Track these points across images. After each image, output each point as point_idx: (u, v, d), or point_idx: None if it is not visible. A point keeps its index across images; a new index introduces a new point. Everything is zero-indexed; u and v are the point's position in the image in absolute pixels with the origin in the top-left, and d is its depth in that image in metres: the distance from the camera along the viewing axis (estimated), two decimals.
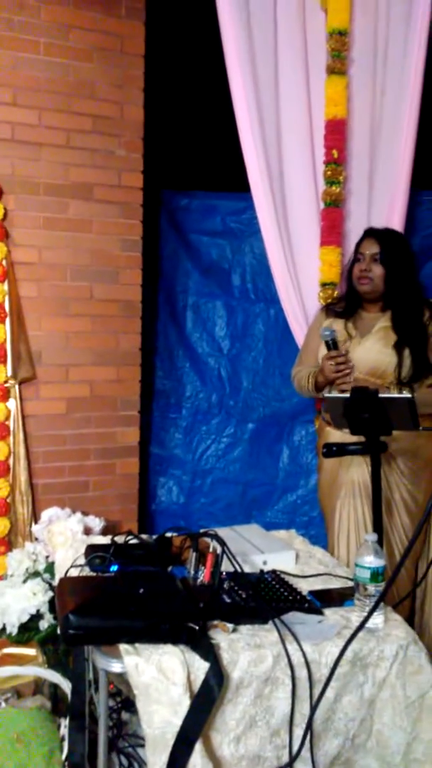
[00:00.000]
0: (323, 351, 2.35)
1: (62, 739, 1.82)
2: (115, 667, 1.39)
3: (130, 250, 2.89)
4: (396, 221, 2.78)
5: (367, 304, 2.40)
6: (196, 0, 2.78)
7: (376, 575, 1.52)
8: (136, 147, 2.87)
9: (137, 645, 1.40)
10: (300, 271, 2.81)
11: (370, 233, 2.37)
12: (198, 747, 1.33)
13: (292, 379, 2.57)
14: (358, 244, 2.40)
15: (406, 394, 2.12)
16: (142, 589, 1.51)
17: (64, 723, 1.86)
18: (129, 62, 2.82)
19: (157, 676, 1.35)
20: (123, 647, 1.39)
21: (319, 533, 2.84)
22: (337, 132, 2.73)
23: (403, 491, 2.33)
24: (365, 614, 1.46)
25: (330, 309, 2.49)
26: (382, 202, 2.81)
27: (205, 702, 1.34)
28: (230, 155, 2.83)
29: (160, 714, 1.34)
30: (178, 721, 1.33)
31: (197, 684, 1.36)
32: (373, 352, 2.30)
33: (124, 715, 2.15)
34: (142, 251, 2.93)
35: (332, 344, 2.29)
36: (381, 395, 1.99)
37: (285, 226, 2.78)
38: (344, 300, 2.48)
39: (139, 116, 2.86)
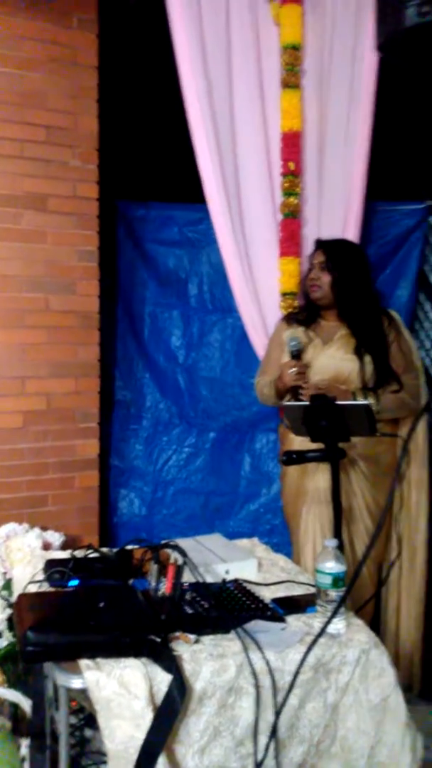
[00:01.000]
0: (286, 359, 2.39)
1: (23, 760, 1.78)
2: (76, 683, 1.37)
3: (87, 260, 2.87)
4: (351, 231, 2.83)
5: (324, 312, 2.46)
6: (150, 13, 2.80)
7: (337, 581, 1.53)
8: (91, 158, 2.86)
9: (98, 660, 1.38)
10: (258, 281, 2.84)
11: (318, 244, 2.48)
12: (161, 760, 1.31)
13: (255, 389, 2.59)
14: (311, 256, 2.50)
15: (362, 401, 2.15)
16: (103, 603, 1.49)
17: (25, 743, 1.82)
18: (82, 73, 2.81)
19: (119, 691, 1.33)
20: (83, 662, 1.37)
21: (281, 541, 2.84)
22: (293, 144, 2.78)
23: (366, 496, 2.36)
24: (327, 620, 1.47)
25: (291, 318, 2.54)
26: (337, 212, 2.86)
27: (168, 714, 1.33)
28: (186, 166, 2.84)
29: (123, 729, 1.32)
30: (141, 735, 1.31)
31: (160, 697, 1.35)
32: (336, 359, 2.35)
33: (88, 732, 2.11)
34: (99, 262, 2.91)
35: (296, 355, 2.33)
36: (338, 402, 2.01)
37: (242, 236, 2.80)
38: (305, 309, 2.53)
39: (94, 127, 2.85)
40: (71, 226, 2.83)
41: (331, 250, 2.41)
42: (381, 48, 0.82)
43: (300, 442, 2.26)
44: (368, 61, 2.73)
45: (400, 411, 2.36)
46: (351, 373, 2.31)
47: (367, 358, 2.31)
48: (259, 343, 2.82)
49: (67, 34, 2.78)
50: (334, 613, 1.43)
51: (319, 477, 2.33)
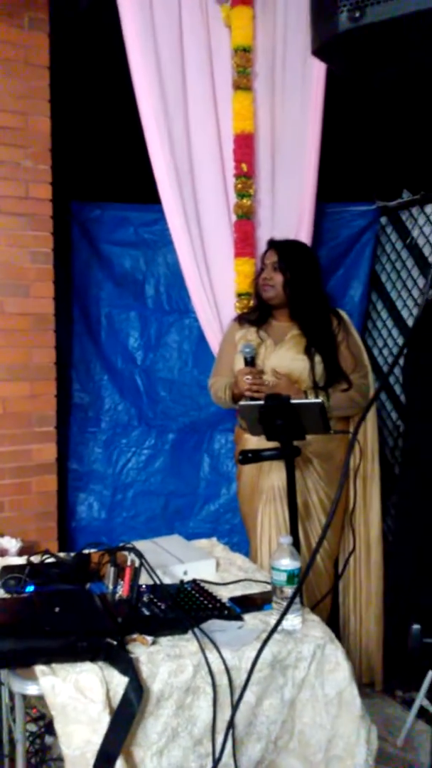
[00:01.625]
0: (239, 364, 2.40)
1: None
2: (31, 689, 1.36)
3: (41, 262, 2.84)
4: (304, 233, 2.87)
5: (276, 312, 2.49)
6: (103, 13, 2.78)
7: (292, 577, 1.55)
8: (44, 158, 2.82)
9: (54, 665, 1.37)
10: (215, 281, 2.85)
11: (271, 244, 2.50)
12: (119, 764, 1.31)
13: (209, 390, 2.60)
14: (263, 256, 2.52)
15: (316, 399, 2.18)
16: (58, 608, 1.48)
17: None
18: (33, 73, 2.78)
19: (75, 695, 1.32)
20: (39, 668, 1.36)
21: (241, 540, 2.86)
22: (245, 146, 2.79)
23: (320, 493, 2.40)
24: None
25: (243, 319, 2.56)
26: (290, 214, 2.89)
27: (125, 717, 1.32)
28: (142, 167, 2.83)
29: (79, 734, 1.31)
30: (98, 740, 1.31)
31: (117, 700, 1.34)
32: (287, 359, 2.37)
33: (48, 740, 2.08)
34: (54, 263, 2.88)
35: (250, 361, 2.34)
36: (293, 401, 2.03)
37: (199, 237, 2.81)
38: (257, 310, 2.55)
39: (46, 127, 2.82)
40: (24, 227, 2.80)
41: (283, 250, 2.43)
42: (316, 53, 0.84)
43: (256, 442, 2.28)
44: (318, 64, 2.76)
45: (350, 409, 2.40)
46: (302, 372, 2.34)
47: (318, 358, 2.35)
48: (216, 343, 2.83)
49: (18, 34, 2.74)
50: (287, 609, 1.45)
51: (274, 475, 2.35)
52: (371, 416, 2.57)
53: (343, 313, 2.50)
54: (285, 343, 2.41)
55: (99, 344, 3.24)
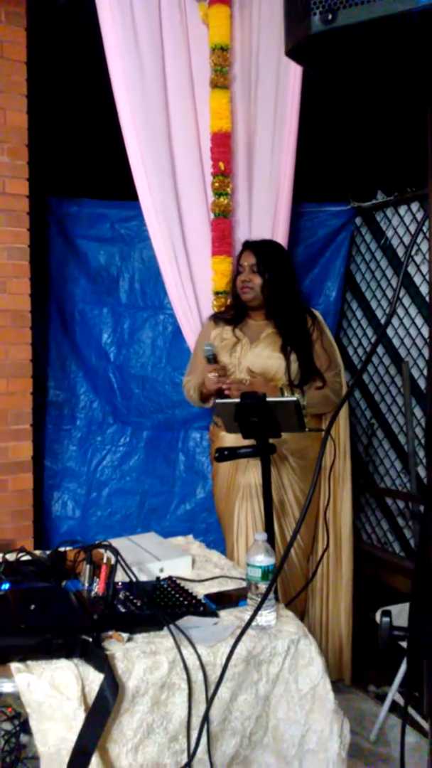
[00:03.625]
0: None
1: None
2: (6, 687, 1.35)
3: (17, 258, 2.82)
4: (280, 232, 2.88)
5: (252, 311, 2.51)
6: (81, 9, 2.76)
7: (266, 573, 1.56)
8: (21, 154, 2.81)
9: (29, 662, 1.37)
10: (196, 279, 2.85)
11: (247, 245, 2.51)
12: (95, 760, 1.31)
13: (183, 389, 2.61)
14: (239, 257, 2.52)
15: (291, 397, 2.20)
16: (34, 606, 1.48)
17: None
18: (10, 68, 2.76)
19: (50, 693, 1.32)
20: (14, 665, 1.36)
21: (217, 538, 2.87)
22: (222, 145, 2.80)
23: (296, 490, 2.42)
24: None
25: (218, 318, 2.58)
26: (267, 213, 2.91)
27: (100, 714, 1.32)
28: (119, 163, 2.82)
29: (55, 731, 1.31)
30: (73, 737, 1.31)
31: (92, 697, 1.35)
32: (263, 357, 2.39)
33: (24, 738, 2.07)
34: (30, 260, 2.86)
35: (212, 359, 2.40)
36: (268, 399, 2.05)
37: (179, 234, 2.80)
38: (232, 309, 2.57)
39: (23, 123, 2.80)
40: (1, 223, 2.77)
41: (260, 252, 2.45)
42: (289, 54, 0.85)
43: (232, 440, 2.29)
44: (294, 64, 2.77)
45: (325, 406, 2.43)
46: (278, 370, 2.37)
47: (293, 356, 2.38)
48: (193, 338, 2.83)
49: None
50: (260, 605, 1.46)
51: (250, 473, 2.37)
52: (343, 414, 2.60)
53: (317, 313, 2.53)
54: (261, 342, 2.43)
55: (74, 341, 3.23)
